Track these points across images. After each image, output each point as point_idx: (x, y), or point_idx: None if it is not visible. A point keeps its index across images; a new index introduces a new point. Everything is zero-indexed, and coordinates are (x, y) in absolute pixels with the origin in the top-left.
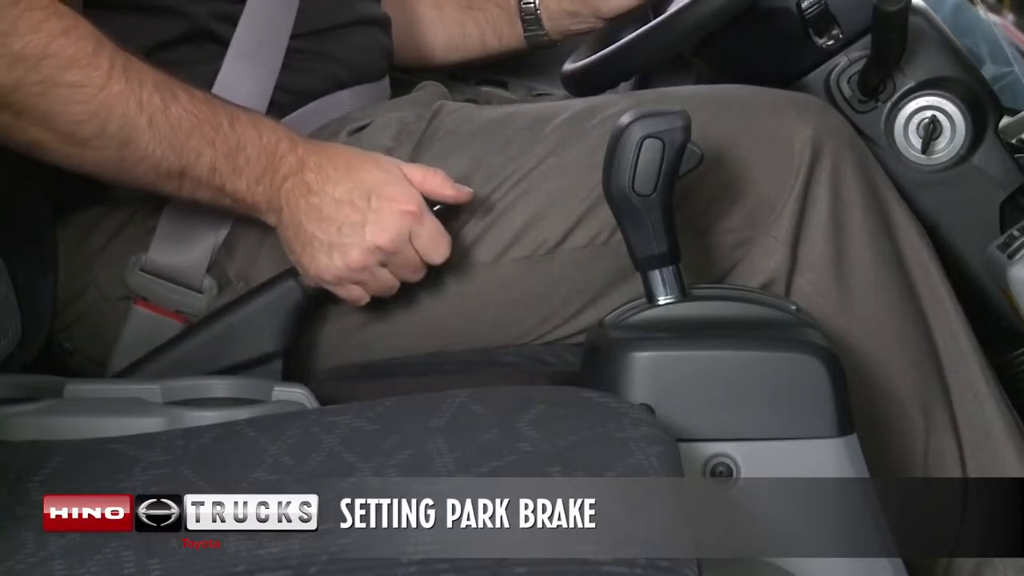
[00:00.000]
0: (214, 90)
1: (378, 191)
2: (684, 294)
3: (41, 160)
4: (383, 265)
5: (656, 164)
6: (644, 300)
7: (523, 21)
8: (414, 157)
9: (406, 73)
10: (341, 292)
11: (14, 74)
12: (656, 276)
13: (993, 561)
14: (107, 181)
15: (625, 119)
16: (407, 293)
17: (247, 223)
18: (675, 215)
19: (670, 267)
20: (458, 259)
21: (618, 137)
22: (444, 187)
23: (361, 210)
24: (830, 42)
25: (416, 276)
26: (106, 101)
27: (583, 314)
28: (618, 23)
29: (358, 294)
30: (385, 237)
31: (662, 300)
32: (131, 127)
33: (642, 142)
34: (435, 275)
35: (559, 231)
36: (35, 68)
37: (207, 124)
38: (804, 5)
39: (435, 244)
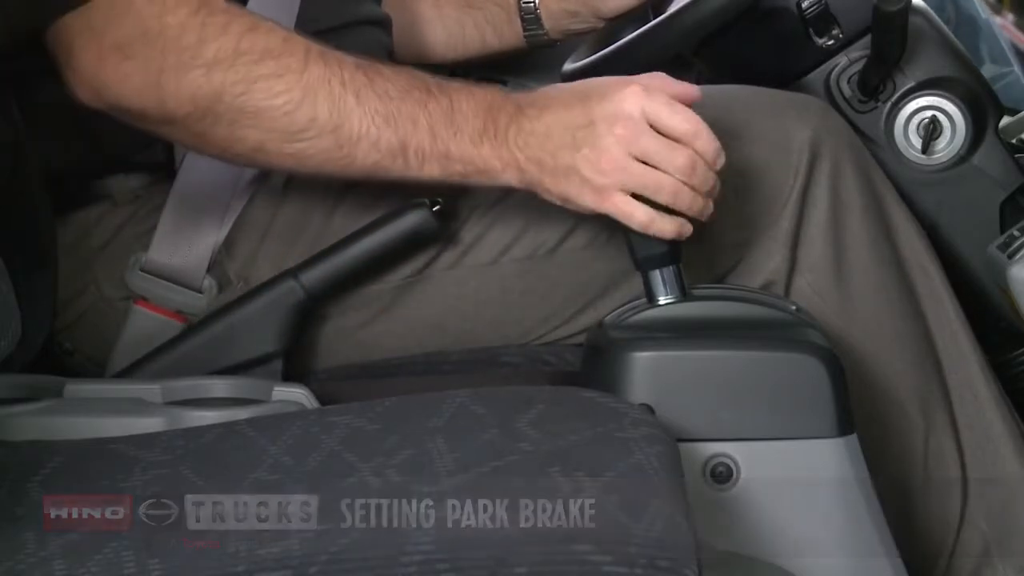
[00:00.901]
0: None
1: (595, 90)
2: (684, 294)
3: (268, 168)
4: (640, 160)
5: None
6: (644, 300)
7: (523, 20)
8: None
9: None
10: (613, 209)
11: (215, 80)
12: (656, 276)
13: (993, 561)
14: (336, 176)
15: None
16: (407, 293)
17: (247, 223)
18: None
19: (671, 267)
20: (457, 260)
21: None
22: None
23: (587, 112)
24: (830, 42)
25: (680, 161)
26: (309, 85)
27: (583, 314)
28: (618, 23)
29: (631, 207)
30: (619, 125)
31: (662, 300)
32: (340, 107)
33: None
34: (435, 275)
35: (559, 232)
36: (232, 68)
37: (416, 90)
38: (804, 5)
39: (674, 112)
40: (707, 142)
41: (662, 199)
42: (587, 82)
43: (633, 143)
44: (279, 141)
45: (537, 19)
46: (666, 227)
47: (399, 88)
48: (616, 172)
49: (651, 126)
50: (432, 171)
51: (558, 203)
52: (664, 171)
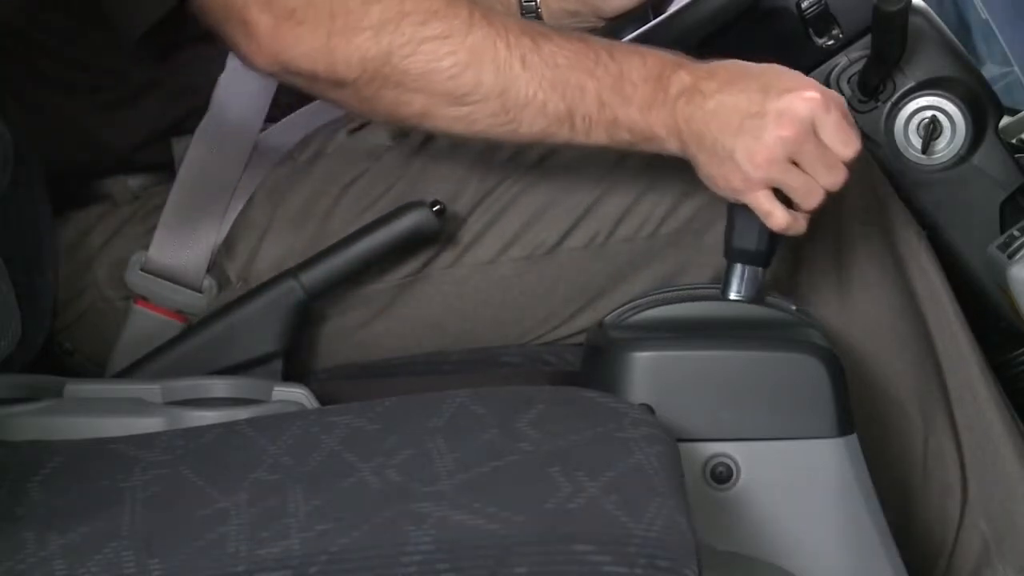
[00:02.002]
0: (217, 90)
1: (776, 83)
2: (757, 299)
3: (432, 132)
4: (793, 163)
5: None
6: (644, 300)
7: None
8: (412, 156)
9: None
10: (756, 202)
11: (382, 42)
12: (740, 270)
13: (992, 561)
14: (503, 141)
15: None
16: (406, 292)
17: (247, 223)
18: None
19: (757, 268)
20: (456, 259)
21: None
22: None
23: (759, 103)
24: (830, 42)
25: (832, 176)
26: (474, 47)
27: (582, 314)
28: (618, 23)
29: (772, 205)
30: (787, 126)
31: (733, 296)
32: (505, 71)
33: None
34: (434, 274)
35: (558, 231)
36: (398, 30)
37: (584, 57)
38: (804, 5)
39: (843, 133)
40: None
41: (806, 206)
42: (770, 71)
43: (796, 147)
44: (445, 105)
45: (538, 19)
46: (801, 229)
47: (567, 53)
48: (770, 169)
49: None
50: (599, 138)
51: (704, 181)
52: (816, 180)
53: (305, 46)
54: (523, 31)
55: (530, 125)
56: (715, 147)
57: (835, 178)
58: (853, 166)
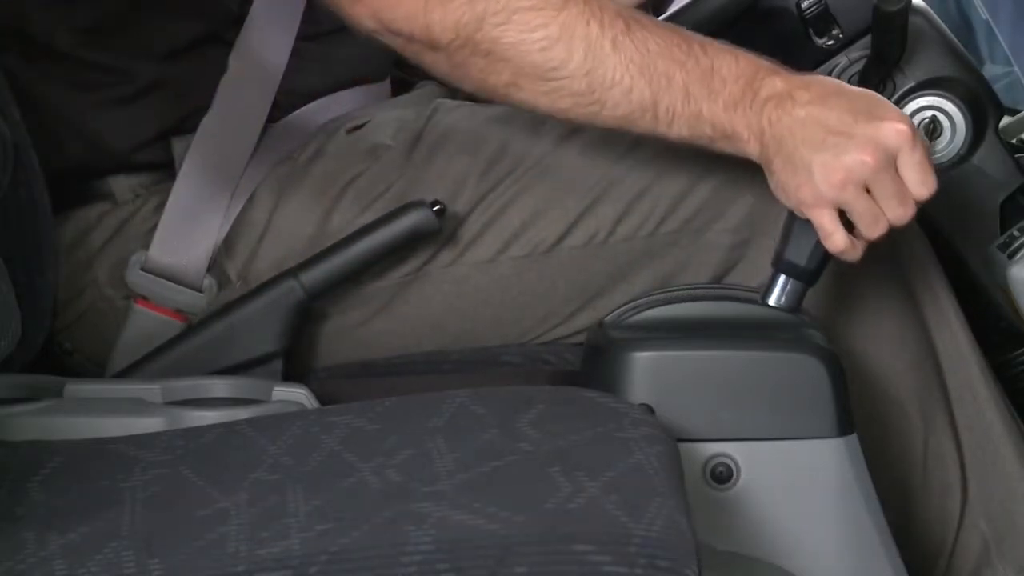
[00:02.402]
0: (219, 93)
1: (871, 109)
2: (795, 311)
3: (517, 105)
4: (866, 189)
5: None
6: (644, 300)
7: None
8: (412, 155)
9: (405, 72)
10: (820, 219)
11: (477, 8)
12: (785, 281)
13: (992, 561)
14: (585, 124)
15: None
16: (405, 291)
17: (246, 223)
18: None
19: (801, 283)
20: (456, 257)
21: None
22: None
23: (850, 124)
24: (830, 42)
25: (901, 212)
26: (567, 23)
27: (582, 314)
28: None
29: (835, 227)
30: (871, 152)
31: (772, 303)
32: (595, 50)
33: None
34: (433, 273)
35: (557, 230)
36: None
37: (676, 48)
38: (804, 5)
39: (923, 174)
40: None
41: (864, 232)
42: (867, 96)
43: (874, 175)
44: (532, 78)
45: None
46: (856, 256)
47: (658, 41)
48: (843, 190)
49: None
50: (680, 131)
51: (772, 187)
52: (884, 212)
53: (405, 7)
54: (618, 14)
55: (613, 108)
56: (794, 156)
57: (904, 213)
58: (921, 205)
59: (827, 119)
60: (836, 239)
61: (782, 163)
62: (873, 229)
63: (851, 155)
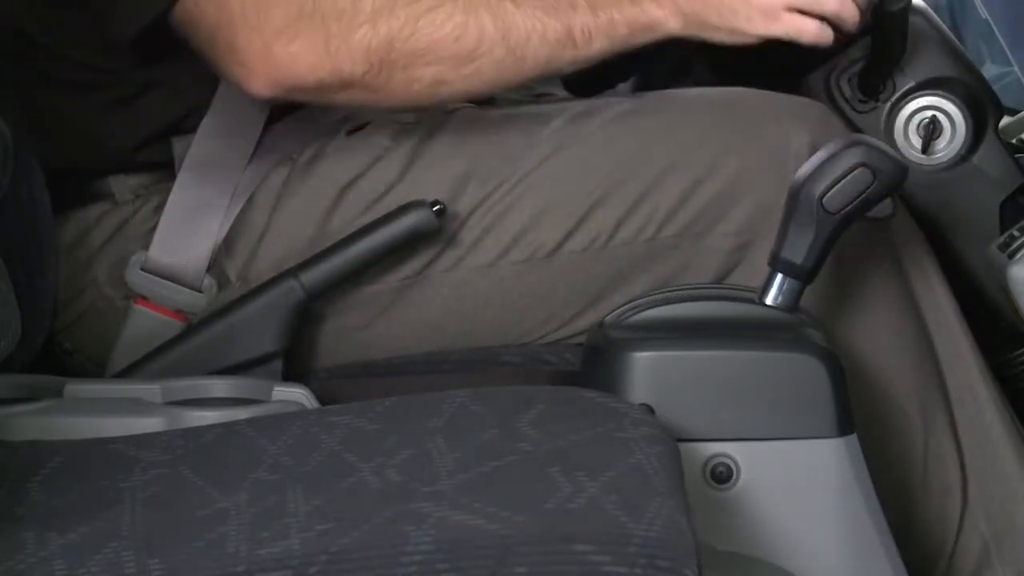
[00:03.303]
0: (219, 93)
1: None
2: (793, 311)
3: (445, 99)
4: None
5: (856, 193)
6: (644, 300)
7: None
8: (412, 157)
9: None
10: (790, 28)
11: (381, 31)
12: (780, 280)
13: (993, 563)
14: (513, 85)
15: (858, 139)
16: (405, 294)
17: (246, 223)
18: (833, 245)
19: (798, 282)
20: (456, 262)
21: (841, 148)
22: None
23: None
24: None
25: None
26: (467, 5)
27: (582, 317)
28: None
29: (801, 22)
30: None
31: (769, 302)
32: (502, 15)
33: (857, 166)
34: (433, 277)
35: (557, 234)
36: (392, 14)
37: None
38: None
39: None
40: None
41: (827, 8)
42: None
43: None
44: (455, 67)
45: None
46: (829, 38)
47: None
48: None
49: None
50: (601, 45)
51: (726, 39)
52: None
53: (304, 60)
54: None
55: (535, 57)
56: (720, 1)
57: None
58: None
59: None
60: (808, 31)
61: (716, 13)
62: (826, 4)
63: None
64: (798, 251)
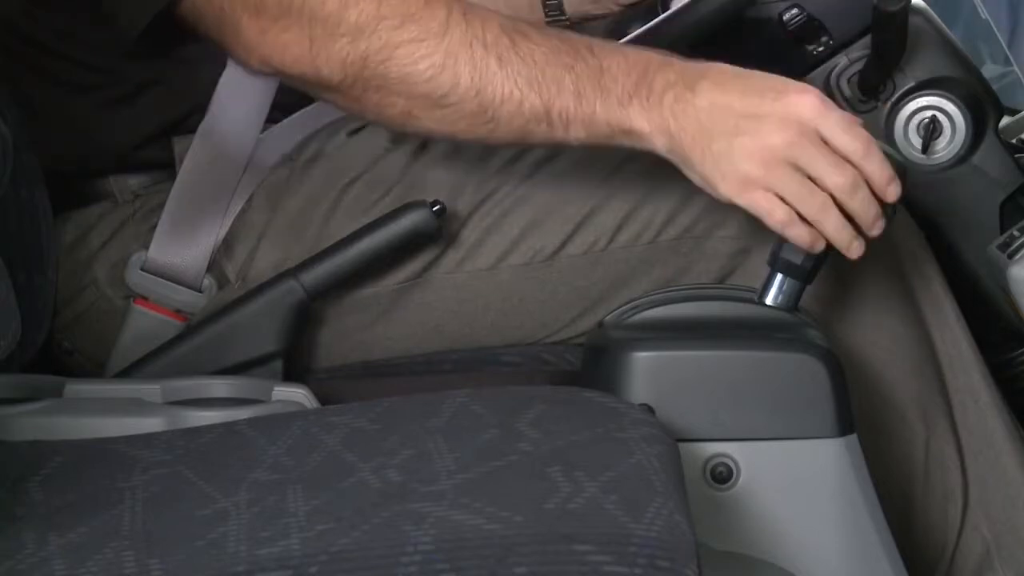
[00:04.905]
0: (218, 93)
1: (772, 86)
2: (793, 311)
3: (417, 132)
4: (795, 168)
5: None
6: (644, 300)
7: (545, 5)
8: (412, 159)
9: None
10: (754, 203)
11: (359, 47)
12: (780, 280)
13: (994, 565)
14: (485, 143)
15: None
16: (405, 297)
17: (246, 223)
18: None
19: (797, 282)
20: (456, 266)
21: None
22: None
23: (757, 104)
24: (820, 48)
25: (839, 179)
26: (450, 49)
27: (582, 319)
28: (631, 12)
29: (772, 203)
30: (787, 128)
31: (769, 303)
32: (481, 71)
33: None
34: (433, 279)
35: (557, 238)
36: (374, 34)
37: (563, 53)
38: (786, 18)
39: (848, 131)
40: (878, 166)
41: (806, 212)
42: (763, 76)
43: (798, 150)
44: (425, 107)
45: (559, 3)
46: (802, 235)
47: (544, 51)
48: (768, 172)
49: (820, 138)
50: (578, 134)
51: (696, 182)
52: (822, 186)
53: (291, 52)
54: (502, 30)
55: (508, 123)
56: (709, 147)
57: (842, 179)
58: (874, 168)
59: (732, 104)
60: (775, 216)
61: (699, 156)
62: (810, 204)
63: (768, 136)
64: (797, 251)
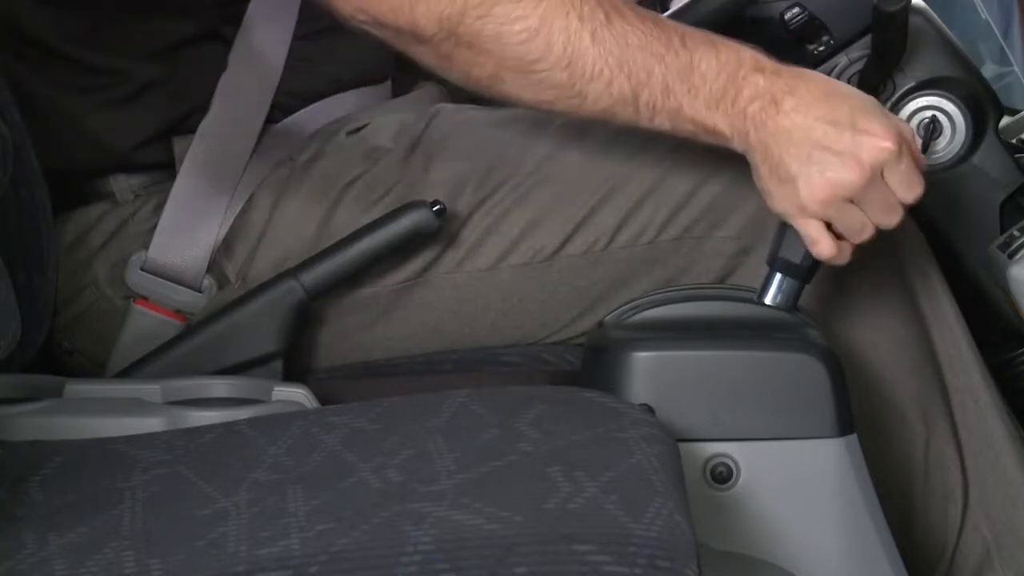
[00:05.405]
0: (218, 93)
1: (858, 122)
2: (792, 310)
3: (502, 97)
4: (851, 202)
5: None
6: (644, 300)
7: None
8: (412, 159)
9: (405, 73)
10: (806, 229)
11: (459, 1)
12: (780, 280)
13: (994, 565)
14: (567, 114)
15: None
16: (405, 297)
17: (245, 223)
18: None
19: (796, 282)
20: (455, 266)
21: None
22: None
23: (835, 138)
24: (820, 48)
25: (888, 219)
26: (546, 15)
27: (582, 319)
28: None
29: (821, 235)
30: (857, 172)
31: (768, 302)
32: (575, 42)
33: None
34: (433, 280)
35: (557, 238)
36: None
37: (656, 40)
38: (787, 17)
39: (910, 182)
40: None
41: (855, 240)
42: (855, 100)
43: (859, 193)
44: (514, 70)
45: None
46: (843, 260)
47: (638, 34)
48: (827, 205)
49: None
50: (662, 124)
51: (759, 189)
52: (870, 218)
53: (389, 2)
54: (598, 4)
55: (595, 101)
56: (779, 167)
57: (891, 220)
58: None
59: (813, 131)
60: (822, 247)
61: (768, 171)
62: (859, 236)
63: (836, 172)
64: (796, 251)
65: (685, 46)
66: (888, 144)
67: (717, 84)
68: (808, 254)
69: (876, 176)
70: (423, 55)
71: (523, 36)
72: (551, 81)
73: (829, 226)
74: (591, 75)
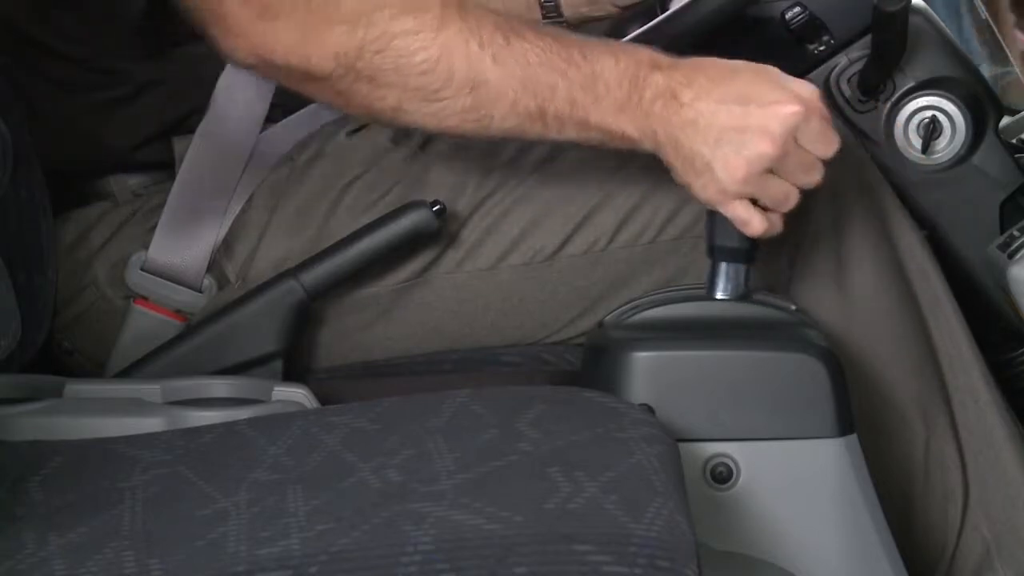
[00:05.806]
0: (218, 93)
1: (758, 94)
2: (744, 296)
3: (406, 126)
4: (770, 172)
5: None
6: (644, 300)
7: (542, 7)
8: (411, 159)
9: None
10: (733, 212)
11: (356, 36)
12: (725, 269)
13: (994, 565)
14: (475, 138)
15: None
16: (405, 297)
17: (245, 223)
18: None
19: (740, 265)
20: (455, 266)
21: None
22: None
23: (740, 116)
24: (821, 47)
25: (809, 178)
26: (445, 44)
27: (582, 319)
28: (631, 12)
29: (749, 214)
30: (769, 143)
31: (720, 295)
32: (476, 68)
33: None
34: (433, 280)
35: (557, 238)
36: (371, 23)
37: (556, 56)
38: (788, 16)
39: (824, 139)
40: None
41: (782, 209)
42: (750, 76)
43: (778, 161)
44: (417, 100)
45: (556, 6)
46: (777, 229)
47: (538, 52)
48: (749, 183)
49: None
50: (570, 135)
51: (681, 185)
52: (791, 182)
53: (281, 40)
54: (497, 27)
55: (501, 121)
56: (692, 157)
57: (812, 179)
58: (831, 161)
59: (717, 115)
60: (754, 224)
61: (682, 165)
62: (785, 205)
63: (749, 149)
64: (731, 234)
65: (586, 58)
66: (793, 107)
67: (621, 91)
68: (743, 235)
69: (789, 142)
70: (318, 92)
71: (424, 67)
72: (455, 107)
73: (755, 203)
74: (496, 97)
